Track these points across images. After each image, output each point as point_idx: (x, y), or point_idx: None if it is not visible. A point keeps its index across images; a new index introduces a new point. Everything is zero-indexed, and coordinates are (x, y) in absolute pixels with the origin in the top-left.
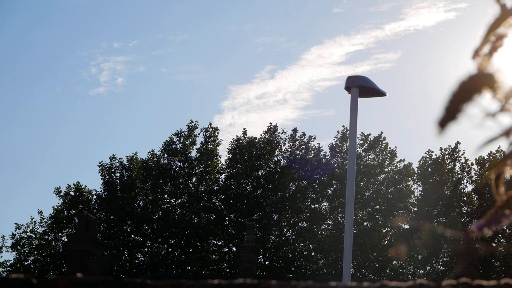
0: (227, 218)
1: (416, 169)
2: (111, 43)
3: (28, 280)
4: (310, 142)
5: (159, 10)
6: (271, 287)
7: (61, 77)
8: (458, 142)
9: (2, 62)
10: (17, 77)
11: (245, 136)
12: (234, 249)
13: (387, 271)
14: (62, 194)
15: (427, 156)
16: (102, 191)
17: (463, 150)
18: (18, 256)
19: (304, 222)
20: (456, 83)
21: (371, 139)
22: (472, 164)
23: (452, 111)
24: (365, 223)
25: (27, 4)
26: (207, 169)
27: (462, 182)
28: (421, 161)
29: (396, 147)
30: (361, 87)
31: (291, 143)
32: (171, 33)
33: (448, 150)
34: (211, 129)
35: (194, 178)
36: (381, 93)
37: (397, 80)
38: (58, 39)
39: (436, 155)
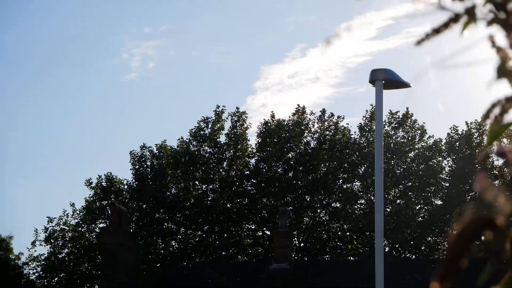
0: (259, 202)
1: (443, 146)
2: (141, 29)
3: None
4: (339, 122)
5: None
6: None
7: (92, 64)
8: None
9: (30, 55)
10: (48, 68)
11: (273, 119)
12: (268, 232)
13: (422, 248)
14: (93, 185)
15: (453, 132)
16: (133, 181)
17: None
18: (52, 250)
19: (337, 203)
20: (453, 234)
21: (399, 116)
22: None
23: (452, 266)
24: (398, 201)
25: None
26: (237, 154)
27: (491, 155)
28: (447, 138)
29: (424, 123)
30: (385, 80)
31: (320, 124)
32: (201, 15)
33: (474, 124)
34: (238, 113)
35: (225, 163)
36: (405, 85)
37: (427, 52)
38: (90, 27)
39: (462, 130)
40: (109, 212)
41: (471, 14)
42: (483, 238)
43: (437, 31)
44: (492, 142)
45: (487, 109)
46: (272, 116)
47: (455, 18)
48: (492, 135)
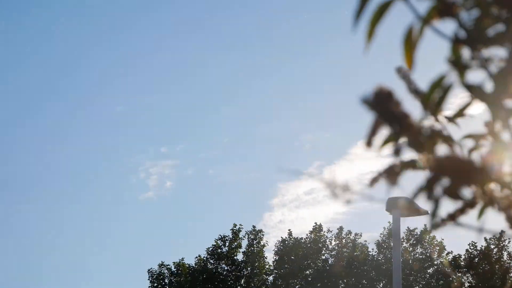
0: None
1: (462, 262)
2: (158, 148)
3: None
4: (357, 239)
5: (204, 112)
6: None
7: (110, 183)
8: (502, 231)
9: (51, 171)
10: (65, 186)
11: (291, 237)
12: None
13: None
14: None
15: (472, 247)
16: None
17: (509, 239)
18: None
19: None
20: None
21: (417, 233)
22: None
23: None
24: None
25: (61, 114)
26: (254, 271)
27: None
28: (466, 254)
29: (443, 239)
30: (402, 209)
31: (337, 242)
32: (217, 134)
33: (493, 239)
34: (254, 231)
35: (242, 280)
36: (423, 212)
37: None
38: (107, 146)
39: (481, 245)
40: None
41: (488, 197)
42: None
43: (452, 217)
44: None
45: None
46: (290, 233)
47: (471, 204)
48: None
